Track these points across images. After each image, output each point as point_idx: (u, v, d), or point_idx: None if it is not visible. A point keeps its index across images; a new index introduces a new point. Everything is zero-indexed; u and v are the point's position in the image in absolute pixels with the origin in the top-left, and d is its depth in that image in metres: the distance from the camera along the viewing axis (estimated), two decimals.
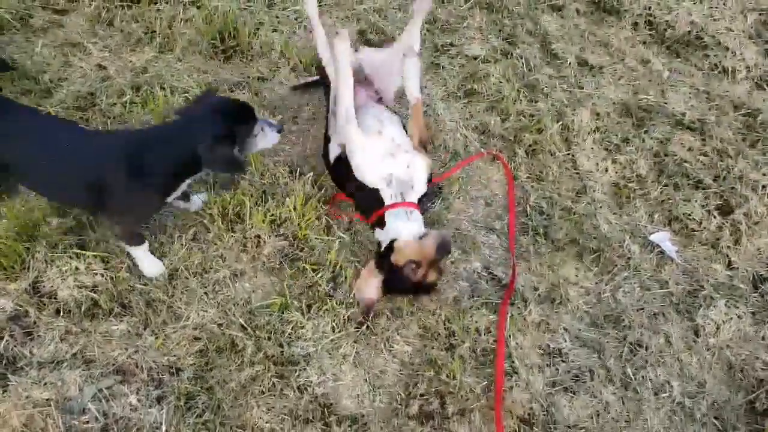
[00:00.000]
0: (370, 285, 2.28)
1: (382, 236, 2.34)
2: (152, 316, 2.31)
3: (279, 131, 2.29)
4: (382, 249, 2.31)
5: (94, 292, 2.30)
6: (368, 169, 2.34)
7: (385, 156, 2.34)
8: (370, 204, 2.37)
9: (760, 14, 3.78)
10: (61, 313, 2.26)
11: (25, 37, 3.04)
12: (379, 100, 2.70)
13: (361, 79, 2.64)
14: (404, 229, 2.27)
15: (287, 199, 2.60)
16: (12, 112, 2.12)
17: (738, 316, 2.58)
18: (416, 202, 2.36)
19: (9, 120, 2.06)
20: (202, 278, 2.44)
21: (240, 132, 2.12)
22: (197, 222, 2.57)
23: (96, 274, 2.33)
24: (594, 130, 3.15)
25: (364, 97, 2.64)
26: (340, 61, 2.34)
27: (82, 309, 2.27)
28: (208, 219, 2.56)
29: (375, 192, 2.34)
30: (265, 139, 2.26)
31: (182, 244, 2.49)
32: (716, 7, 3.73)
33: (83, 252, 2.35)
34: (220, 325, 2.33)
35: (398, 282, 2.23)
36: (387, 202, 2.32)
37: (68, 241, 2.37)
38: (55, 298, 2.29)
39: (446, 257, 2.34)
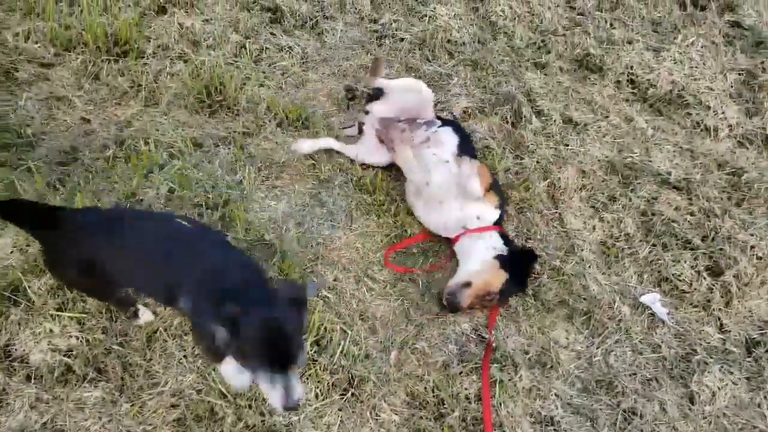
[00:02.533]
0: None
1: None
2: (129, 381, 2.20)
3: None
4: None
5: (68, 357, 2.19)
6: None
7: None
8: None
9: (739, 74, 3.86)
10: (32, 379, 2.14)
11: (9, 91, 3.00)
12: (427, 124, 3.00)
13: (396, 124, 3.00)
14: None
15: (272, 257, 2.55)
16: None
17: (733, 382, 2.52)
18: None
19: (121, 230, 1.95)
20: (182, 341, 2.35)
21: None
22: None
23: (71, 336, 2.23)
24: (580, 188, 3.15)
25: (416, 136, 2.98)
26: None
27: (55, 374, 2.15)
28: None
29: None
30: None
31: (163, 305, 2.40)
32: (696, 67, 3.81)
33: (59, 313, 2.25)
34: (198, 391, 2.22)
35: None
36: None
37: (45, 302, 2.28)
38: (26, 363, 2.18)
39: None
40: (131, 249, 1.91)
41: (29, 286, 2.30)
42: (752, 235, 2.99)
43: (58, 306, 2.30)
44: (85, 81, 3.14)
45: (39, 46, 3.20)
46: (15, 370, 2.15)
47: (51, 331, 2.23)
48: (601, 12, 4.11)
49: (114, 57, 3.25)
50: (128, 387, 2.19)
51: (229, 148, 2.98)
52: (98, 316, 2.32)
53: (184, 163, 2.85)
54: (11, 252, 2.40)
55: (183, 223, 2.04)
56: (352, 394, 2.30)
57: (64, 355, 2.20)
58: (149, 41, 3.35)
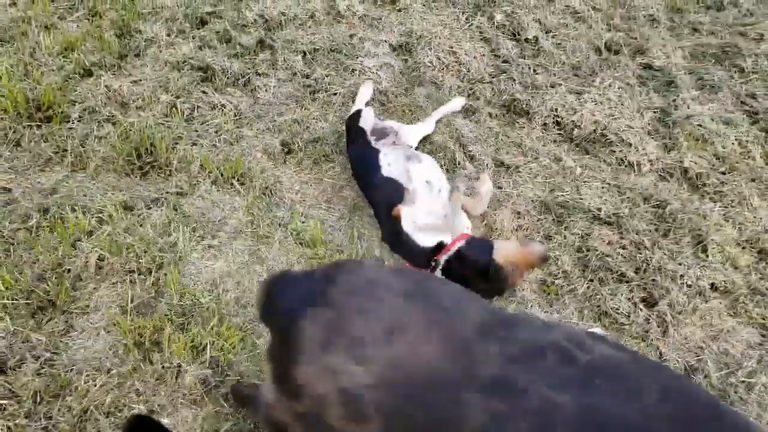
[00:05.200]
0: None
1: None
2: None
3: None
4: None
5: None
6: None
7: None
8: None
9: (654, 112, 4.10)
10: None
11: None
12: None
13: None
14: None
15: (210, 322, 2.45)
16: None
17: None
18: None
19: None
20: (116, 418, 2.21)
21: None
22: (110, 354, 2.36)
23: None
24: (516, 229, 3.22)
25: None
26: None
27: None
28: (123, 350, 2.36)
29: None
30: None
31: (94, 382, 2.26)
32: (615, 107, 4.03)
33: None
34: None
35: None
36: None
37: None
38: None
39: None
40: None
41: None
42: (680, 264, 3.12)
43: None
44: (4, 149, 3.01)
45: None
46: None
47: None
48: (524, 59, 4.31)
49: (36, 122, 3.14)
50: None
51: (161, 210, 2.90)
52: (22, 399, 2.17)
53: (115, 228, 2.75)
54: None
55: None
56: None
57: None
58: (74, 105, 3.27)
